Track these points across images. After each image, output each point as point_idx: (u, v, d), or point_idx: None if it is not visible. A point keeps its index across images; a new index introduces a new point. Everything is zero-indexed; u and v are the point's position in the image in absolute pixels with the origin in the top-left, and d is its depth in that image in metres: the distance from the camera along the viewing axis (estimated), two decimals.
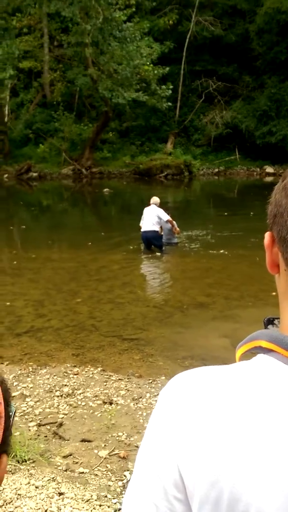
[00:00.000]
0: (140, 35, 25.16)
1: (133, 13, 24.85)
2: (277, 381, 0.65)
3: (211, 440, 0.64)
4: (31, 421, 3.99)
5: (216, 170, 29.50)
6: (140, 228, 10.71)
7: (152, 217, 10.50)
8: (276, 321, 0.80)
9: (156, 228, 10.52)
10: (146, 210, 10.71)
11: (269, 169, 29.02)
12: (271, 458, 0.60)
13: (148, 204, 10.85)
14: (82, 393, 4.51)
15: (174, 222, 10.94)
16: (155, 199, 10.86)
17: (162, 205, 11.32)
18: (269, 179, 27.28)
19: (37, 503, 2.93)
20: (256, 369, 0.68)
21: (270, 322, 0.81)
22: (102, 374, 4.95)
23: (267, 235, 0.75)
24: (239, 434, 0.63)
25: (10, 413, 0.75)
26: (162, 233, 10.91)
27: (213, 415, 0.65)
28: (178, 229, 11.04)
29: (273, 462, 0.60)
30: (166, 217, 10.54)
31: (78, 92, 29.58)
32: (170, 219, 10.62)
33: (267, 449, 0.61)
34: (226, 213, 15.80)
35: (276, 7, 27.37)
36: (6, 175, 27.12)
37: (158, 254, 10.50)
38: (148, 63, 25.24)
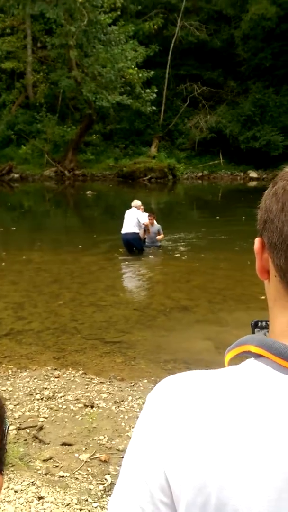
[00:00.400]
0: (125, 38, 25.26)
1: (118, 16, 24.92)
2: (265, 387, 0.65)
3: (198, 446, 0.64)
4: (10, 425, 3.92)
5: (200, 174, 29.66)
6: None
7: (132, 220, 10.56)
8: (263, 324, 0.81)
9: (136, 230, 10.54)
10: (127, 213, 10.75)
11: (253, 174, 29.28)
12: (258, 463, 0.61)
13: (130, 207, 10.88)
14: (63, 396, 4.47)
15: (158, 226, 10.98)
16: (135, 202, 10.94)
17: (146, 209, 11.37)
18: (252, 183, 27.51)
19: (16, 508, 2.88)
20: (245, 375, 0.68)
21: (257, 325, 0.82)
22: (83, 377, 4.91)
23: (256, 241, 0.75)
24: (226, 439, 0.63)
25: (4, 428, 0.72)
26: (146, 236, 10.92)
27: (201, 421, 0.65)
28: (160, 236, 11.06)
29: (259, 467, 0.60)
30: (143, 220, 10.58)
31: (61, 94, 29.52)
32: (147, 223, 10.63)
33: (254, 454, 0.61)
34: (217, 217, 15.89)
35: (261, 13, 27.69)
36: None
37: (141, 256, 10.52)
38: (132, 66, 25.32)
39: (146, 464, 0.67)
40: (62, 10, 22.67)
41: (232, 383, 0.67)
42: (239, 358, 0.72)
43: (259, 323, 0.82)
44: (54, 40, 25.10)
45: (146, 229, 10.83)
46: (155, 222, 11.02)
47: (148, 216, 10.90)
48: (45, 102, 29.20)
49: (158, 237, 11.09)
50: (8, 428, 0.75)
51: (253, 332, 0.81)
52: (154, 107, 26.74)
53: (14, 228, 13.96)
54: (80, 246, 11.36)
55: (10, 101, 30.42)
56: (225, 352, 0.75)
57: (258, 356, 0.69)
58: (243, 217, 14.76)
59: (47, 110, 28.59)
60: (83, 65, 25.30)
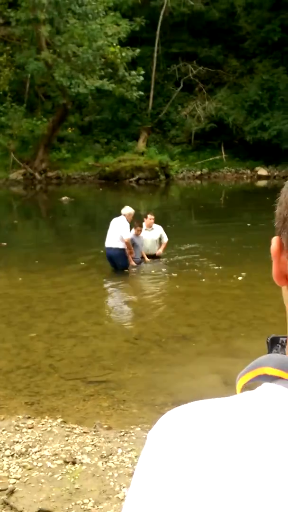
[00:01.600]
0: (104, 10, 25.47)
1: None
2: (286, 414, 0.65)
3: (216, 490, 0.62)
4: None
5: (199, 172, 29.83)
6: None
7: (117, 231, 10.55)
8: (284, 340, 0.80)
9: (121, 245, 10.53)
10: (113, 222, 10.73)
11: (262, 171, 29.48)
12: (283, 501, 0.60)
13: (118, 215, 10.86)
14: (38, 451, 4.45)
15: (159, 233, 11.15)
16: (126, 209, 10.84)
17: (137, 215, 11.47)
18: (262, 183, 27.73)
19: None
20: (262, 401, 0.67)
21: (275, 341, 0.81)
22: (62, 427, 4.89)
23: (274, 241, 0.75)
24: (247, 479, 0.62)
25: None
26: (134, 250, 10.95)
27: (217, 459, 0.64)
28: (162, 247, 11.38)
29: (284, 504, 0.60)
30: (126, 235, 10.56)
31: (29, 79, 29.67)
32: (127, 240, 10.59)
33: (278, 493, 0.60)
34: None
35: None
36: None
37: (129, 275, 10.56)
38: (114, 44, 25.52)
39: None
40: None
41: (248, 412, 0.66)
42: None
43: (280, 340, 0.80)
44: (19, 15, 25.25)
45: (128, 246, 10.74)
46: (156, 226, 11.29)
47: (135, 226, 10.89)
48: (10, 90, 29.26)
49: (160, 250, 11.38)
50: None
51: (270, 351, 0.80)
52: (141, 93, 26.86)
53: (5, 244, 13.86)
54: (55, 264, 11.36)
55: None
56: (236, 378, 0.74)
57: (276, 378, 0.69)
58: (248, 224, 14.89)
59: (12, 100, 28.71)
60: (55, 44, 25.48)
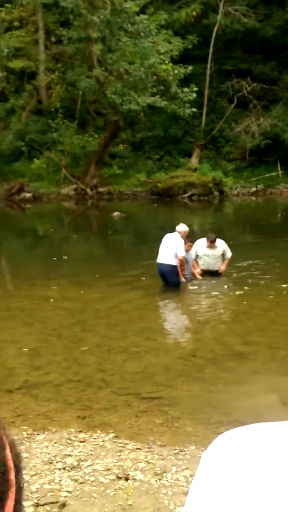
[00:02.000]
0: (156, 28, 25.77)
1: (148, 3, 25.50)
2: None
3: None
4: (26, 500, 3.88)
5: (254, 189, 29.72)
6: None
7: (171, 248, 10.51)
8: None
9: (173, 262, 10.46)
10: (167, 238, 10.71)
11: None
12: None
13: (172, 231, 10.84)
14: (90, 465, 4.42)
15: (222, 249, 11.11)
16: (181, 227, 10.87)
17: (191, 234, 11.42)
18: None
19: None
20: None
21: None
22: (115, 442, 4.86)
23: None
24: None
25: (21, 484, 0.72)
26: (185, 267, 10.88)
27: (272, 488, 0.62)
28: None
29: None
30: (180, 253, 10.46)
31: (80, 96, 30.14)
32: (182, 258, 10.49)
33: None
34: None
35: None
36: None
37: (183, 291, 10.51)
38: (166, 62, 25.77)
39: None
40: None
41: None
42: None
43: None
44: (71, 33, 25.78)
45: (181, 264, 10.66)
46: (219, 241, 11.11)
47: (185, 242, 10.78)
48: (62, 107, 29.80)
49: (222, 267, 11.22)
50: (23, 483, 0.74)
51: None
52: (194, 110, 26.97)
53: (66, 257, 14.15)
54: (106, 279, 11.41)
55: (20, 106, 31.13)
56: None
57: None
58: None
59: (64, 117, 29.18)
60: (106, 61, 25.86)
